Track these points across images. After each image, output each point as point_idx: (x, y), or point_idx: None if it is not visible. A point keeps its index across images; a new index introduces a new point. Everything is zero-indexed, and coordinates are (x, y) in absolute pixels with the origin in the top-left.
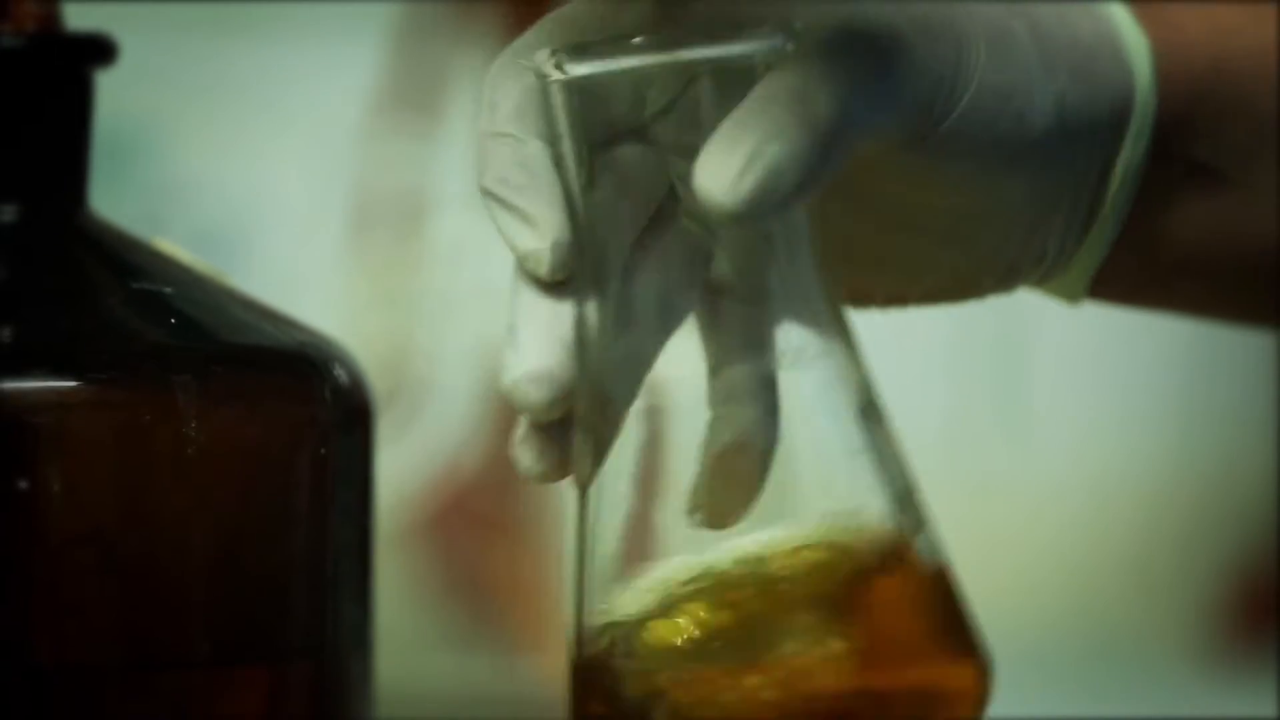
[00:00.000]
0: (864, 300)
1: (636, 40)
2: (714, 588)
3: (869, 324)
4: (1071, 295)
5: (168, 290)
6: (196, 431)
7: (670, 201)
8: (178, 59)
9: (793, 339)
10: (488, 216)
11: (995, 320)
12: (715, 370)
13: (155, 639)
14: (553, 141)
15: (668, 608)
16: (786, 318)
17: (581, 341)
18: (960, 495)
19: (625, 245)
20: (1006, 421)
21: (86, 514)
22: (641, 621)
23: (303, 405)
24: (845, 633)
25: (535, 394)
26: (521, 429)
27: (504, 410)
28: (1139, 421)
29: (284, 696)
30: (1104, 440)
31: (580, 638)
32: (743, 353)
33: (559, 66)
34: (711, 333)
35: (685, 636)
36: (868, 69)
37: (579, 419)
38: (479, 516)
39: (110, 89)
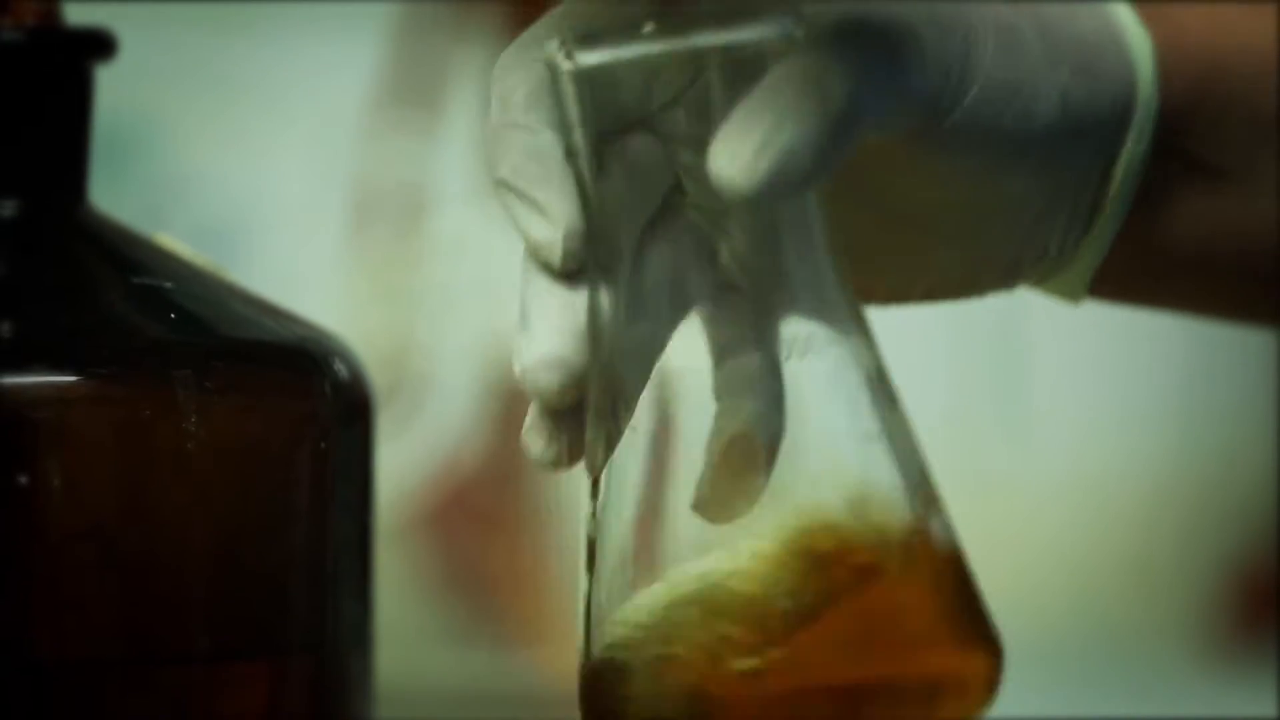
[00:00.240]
0: (866, 297)
1: (646, 29)
2: (727, 582)
3: (871, 319)
4: (1073, 294)
5: (168, 285)
6: (196, 426)
7: (676, 193)
8: (178, 54)
9: (803, 326)
10: (500, 207)
11: (995, 318)
12: (719, 362)
13: (155, 634)
14: (564, 132)
15: (681, 612)
16: (797, 305)
17: (593, 329)
18: (960, 493)
19: (634, 235)
20: (1006, 419)
21: (86, 509)
22: (654, 629)
23: (303, 400)
24: (860, 619)
25: (548, 380)
26: (532, 415)
27: (504, 405)
28: (1139, 419)
29: (284, 691)
30: (1104, 438)
31: (591, 631)
32: (747, 344)
33: (569, 56)
34: (716, 324)
35: (698, 639)
36: (878, 57)
37: (591, 406)
38: (479, 511)
39: (110, 84)
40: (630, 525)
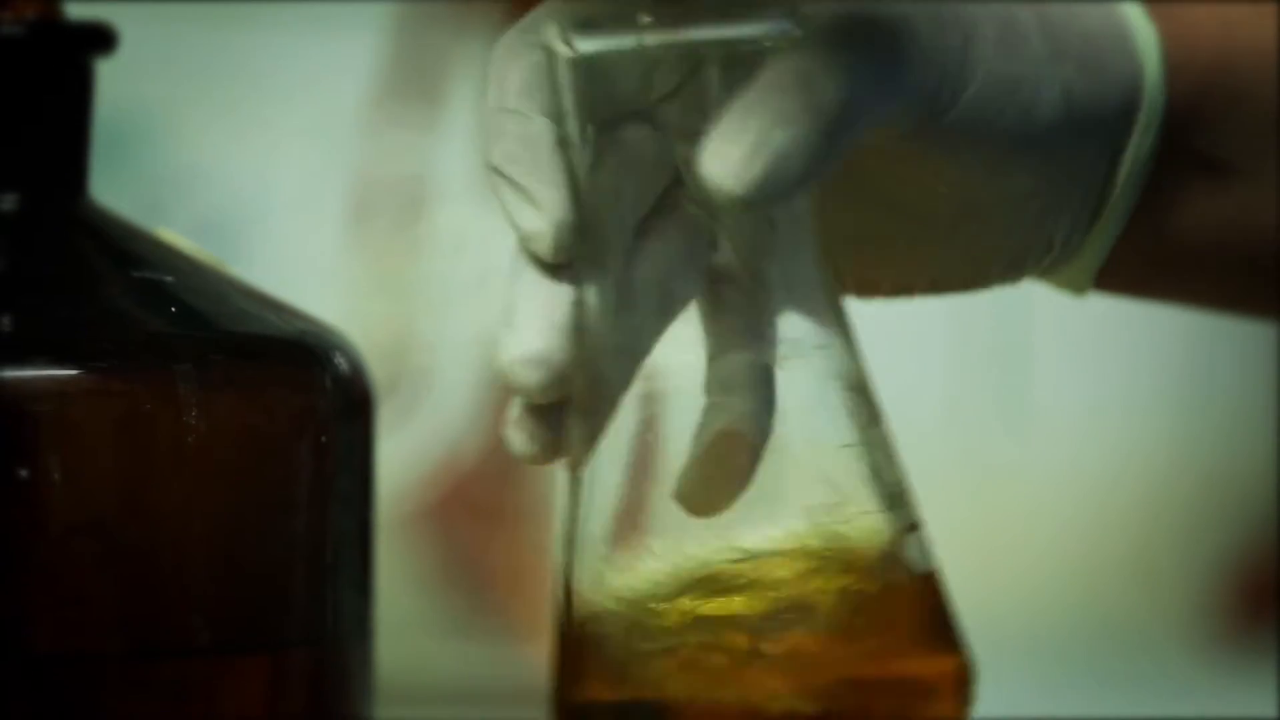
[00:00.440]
0: (870, 290)
1: (644, 20)
2: (703, 579)
3: (870, 314)
4: (1077, 287)
5: (168, 279)
6: (197, 420)
7: (675, 186)
8: (179, 48)
9: (791, 329)
10: (493, 195)
11: (996, 312)
12: (713, 358)
13: (156, 627)
14: (558, 120)
15: (657, 597)
16: (786, 308)
17: (579, 324)
18: (960, 487)
19: (628, 227)
20: (1007, 412)
21: (87, 503)
22: (629, 610)
23: (303, 394)
24: (829, 629)
25: (530, 376)
26: (515, 410)
27: (504, 398)
28: (1139, 412)
29: (284, 685)
30: (1104, 431)
31: (567, 622)
32: (741, 342)
33: (566, 43)
34: (712, 320)
35: (671, 627)
36: (874, 56)
37: (574, 401)
38: (479, 505)
39: (111, 78)
40: (610, 518)
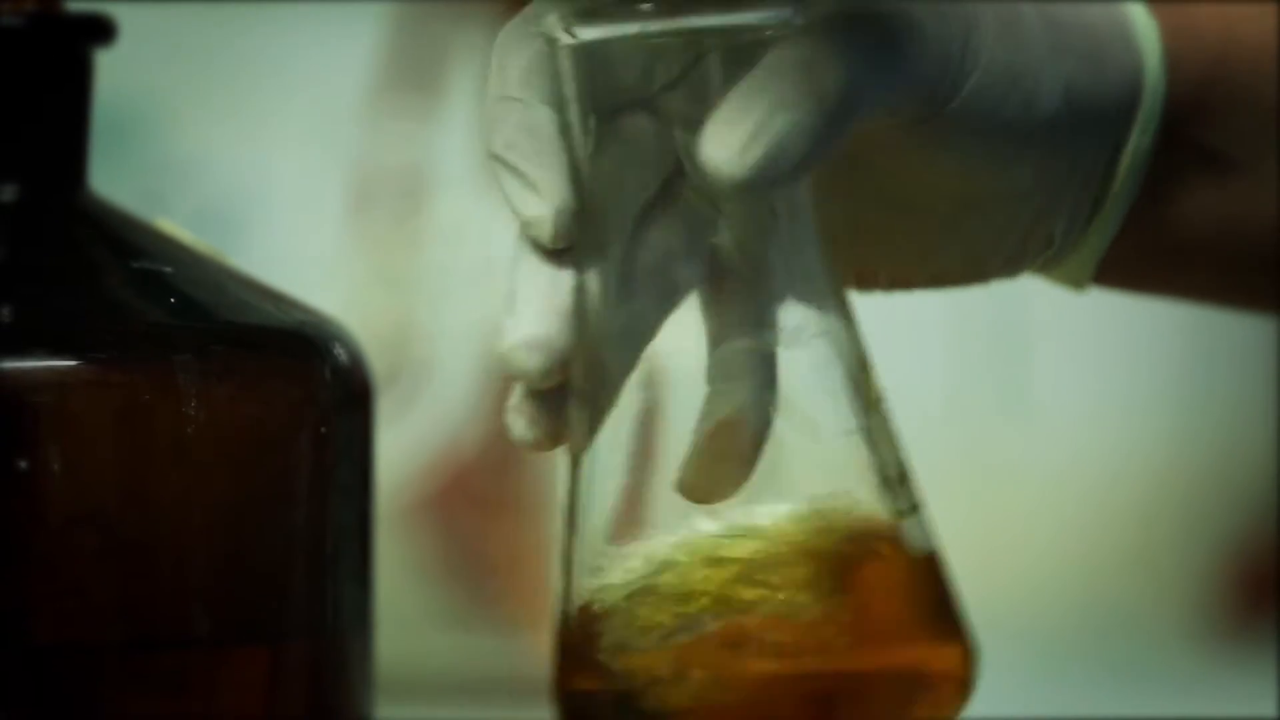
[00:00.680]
0: (870, 283)
1: (646, 6)
2: (702, 566)
3: (870, 307)
4: (1078, 281)
5: (168, 270)
6: (196, 411)
7: (677, 175)
8: (179, 39)
9: (792, 317)
10: (494, 182)
11: (996, 304)
12: (715, 345)
13: (155, 619)
14: (560, 107)
15: (656, 585)
16: (787, 295)
17: (579, 310)
18: (961, 480)
19: (630, 215)
20: (1007, 406)
21: (86, 494)
22: (628, 598)
23: (303, 385)
24: (830, 614)
25: (530, 361)
26: (515, 396)
27: (504, 388)
28: (1139, 406)
29: (284, 676)
30: (1104, 424)
31: (566, 610)
32: (743, 330)
33: (568, 30)
34: (714, 308)
35: (671, 614)
36: (875, 43)
37: (574, 387)
38: (479, 496)
39: (110, 68)
40: (611, 505)
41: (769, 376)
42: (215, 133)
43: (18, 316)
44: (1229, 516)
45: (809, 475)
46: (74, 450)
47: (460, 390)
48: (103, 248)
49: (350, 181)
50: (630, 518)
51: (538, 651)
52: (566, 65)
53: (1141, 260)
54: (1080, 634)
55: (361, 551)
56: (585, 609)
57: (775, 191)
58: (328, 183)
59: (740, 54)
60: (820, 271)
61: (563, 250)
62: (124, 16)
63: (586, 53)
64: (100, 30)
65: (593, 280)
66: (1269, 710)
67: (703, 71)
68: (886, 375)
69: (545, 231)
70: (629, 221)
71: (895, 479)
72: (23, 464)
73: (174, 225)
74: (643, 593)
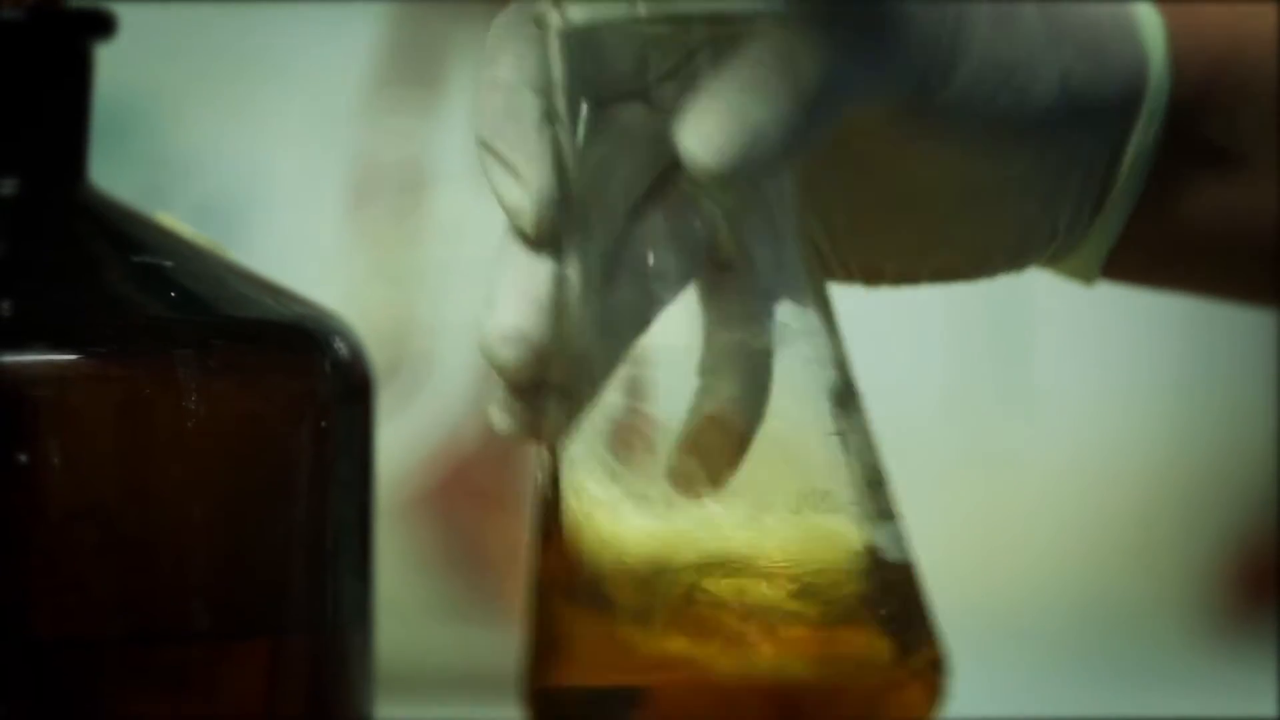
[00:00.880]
0: (874, 278)
1: None
2: (679, 566)
3: (870, 303)
4: (1085, 276)
5: (168, 264)
6: (196, 405)
7: (673, 168)
8: (178, 33)
9: (777, 315)
10: (481, 169)
11: (996, 296)
12: (708, 339)
13: (155, 613)
14: (548, 95)
15: (633, 584)
16: (772, 293)
17: (559, 302)
18: (961, 470)
19: (622, 206)
20: (1008, 397)
21: (86, 488)
22: (606, 597)
23: (303, 379)
24: (803, 617)
25: (506, 353)
26: (496, 389)
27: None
28: (1140, 397)
29: (284, 669)
30: (1105, 415)
31: (540, 607)
32: (738, 325)
33: (558, 13)
34: (709, 302)
35: (647, 613)
36: (859, 34)
37: (553, 379)
38: (479, 489)
39: (111, 63)
40: (589, 498)
41: (761, 374)
42: (216, 127)
43: (18, 310)
44: (1230, 510)
45: (792, 476)
46: (74, 444)
47: (460, 384)
48: (103, 242)
49: (350, 176)
50: (609, 514)
51: None
52: (556, 50)
53: (1149, 255)
54: (1080, 627)
55: (361, 545)
56: (560, 606)
57: (753, 182)
58: (328, 177)
59: (728, 45)
60: (802, 269)
61: (545, 239)
62: (124, 11)
63: (576, 37)
64: (101, 24)
65: (577, 270)
66: (1269, 703)
67: (695, 65)
68: (887, 369)
69: (526, 220)
70: (619, 212)
71: (873, 483)
72: (23, 458)
73: (174, 219)
74: (619, 592)
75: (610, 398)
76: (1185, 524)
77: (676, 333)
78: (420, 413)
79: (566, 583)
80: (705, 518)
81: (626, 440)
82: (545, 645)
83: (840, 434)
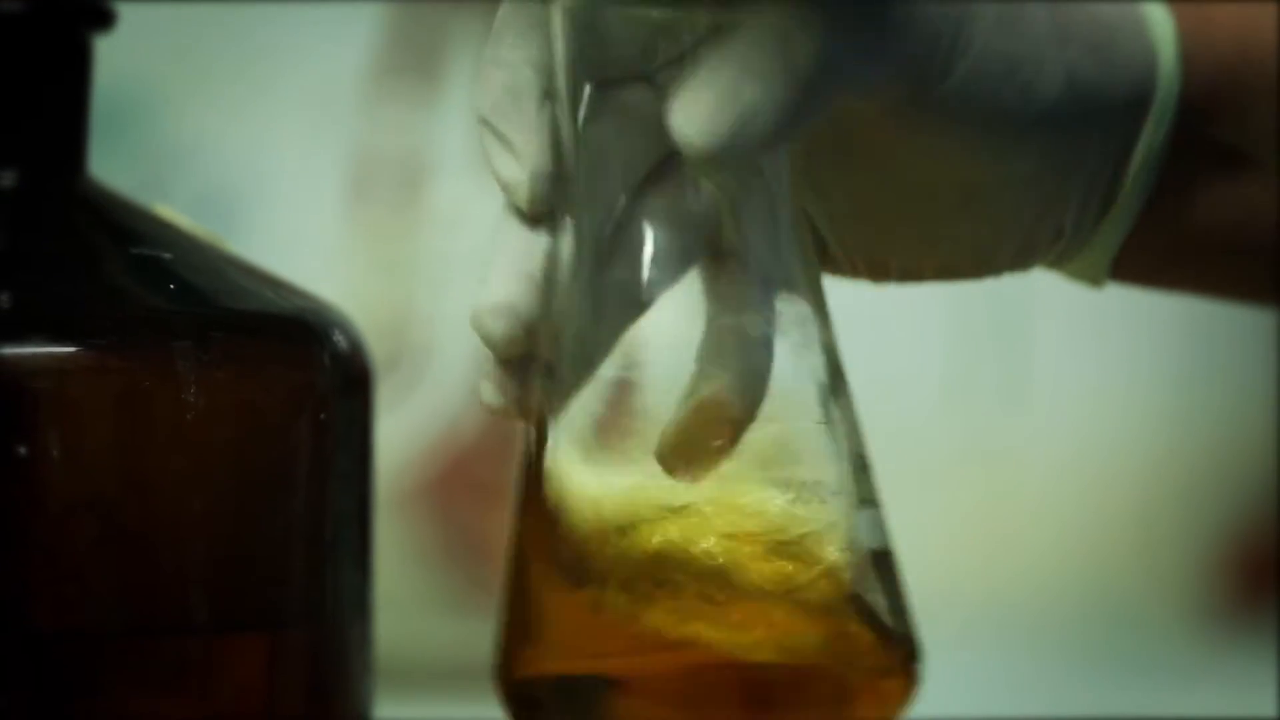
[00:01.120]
0: (879, 273)
1: None
2: (660, 552)
3: (871, 297)
4: (1093, 277)
5: (167, 256)
6: (195, 397)
7: (677, 152)
8: (177, 25)
9: (771, 303)
10: (480, 145)
11: (996, 291)
12: (709, 323)
13: (154, 605)
14: (549, 73)
15: (611, 570)
16: (769, 280)
17: (553, 278)
18: (961, 465)
19: (622, 187)
20: (1008, 392)
21: (85, 480)
22: (582, 583)
23: (302, 371)
24: (778, 604)
25: (494, 327)
26: (486, 363)
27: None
28: (1139, 390)
29: (283, 661)
30: (1104, 408)
31: (515, 595)
32: (735, 311)
33: None
34: (712, 285)
35: (623, 601)
36: (857, 18)
37: (542, 355)
38: (478, 481)
39: (110, 55)
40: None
41: (760, 360)
42: (215, 119)
43: (17, 302)
44: (1229, 504)
45: (781, 463)
46: (73, 436)
47: (459, 376)
48: (102, 234)
49: (349, 168)
50: (592, 499)
51: None
52: (559, 27)
53: (1157, 257)
54: (1080, 621)
55: (361, 537)
56: (535, 594)
57: (746, 163)
58: (327, 169)
59: (731, 29)
60: (797, 257)
61: (540, 215)
62: (123, 3)
63: (581, 17)
64: (100, 16)
65: (572, 247)
66: (1269, 697)
67: (699, 49)
68: (888, 362)
69: (522, 195)
70: (620, 193)
71: (857, 470)
72: (22, 450)
73: (173, 211)
74: (595, 579)
75: (603, 377)
76: (1185, 519)
77: (673, 316)
78: (419, 405)
79: (544, 555)
80: (688, 498)
81: (615, 421)
82: (519, 629)
83: (828, 421)
